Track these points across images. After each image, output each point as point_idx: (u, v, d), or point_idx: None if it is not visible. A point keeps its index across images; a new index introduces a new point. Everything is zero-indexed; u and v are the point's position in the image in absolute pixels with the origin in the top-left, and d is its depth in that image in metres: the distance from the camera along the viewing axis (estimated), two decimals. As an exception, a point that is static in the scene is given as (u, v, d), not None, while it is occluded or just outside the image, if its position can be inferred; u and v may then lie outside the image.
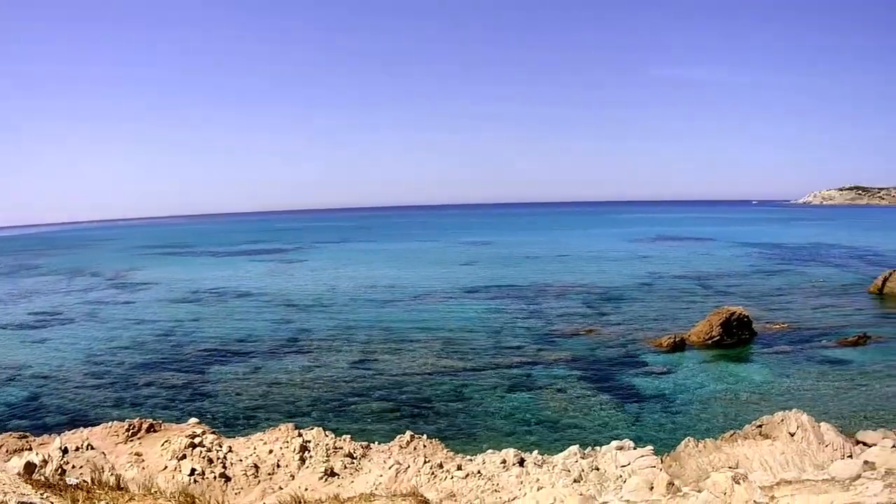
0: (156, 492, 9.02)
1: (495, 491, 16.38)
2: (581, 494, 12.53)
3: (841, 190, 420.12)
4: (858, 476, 12.69)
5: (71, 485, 9.01)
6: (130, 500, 8.32)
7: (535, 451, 19.55)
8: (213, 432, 19.93)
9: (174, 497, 8.78)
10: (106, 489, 8.78)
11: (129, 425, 19.96)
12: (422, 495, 10.77)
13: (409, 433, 20.20)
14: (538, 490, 14.59)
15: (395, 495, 10.40)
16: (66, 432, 20.29)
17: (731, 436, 21.08)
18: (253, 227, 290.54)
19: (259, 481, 16.90)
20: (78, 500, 7.81)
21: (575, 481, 16.98)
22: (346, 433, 20.79)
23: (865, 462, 14.41)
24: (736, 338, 40.65)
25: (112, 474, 11.42)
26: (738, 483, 11.48)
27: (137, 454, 17.96)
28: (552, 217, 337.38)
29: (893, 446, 17.21)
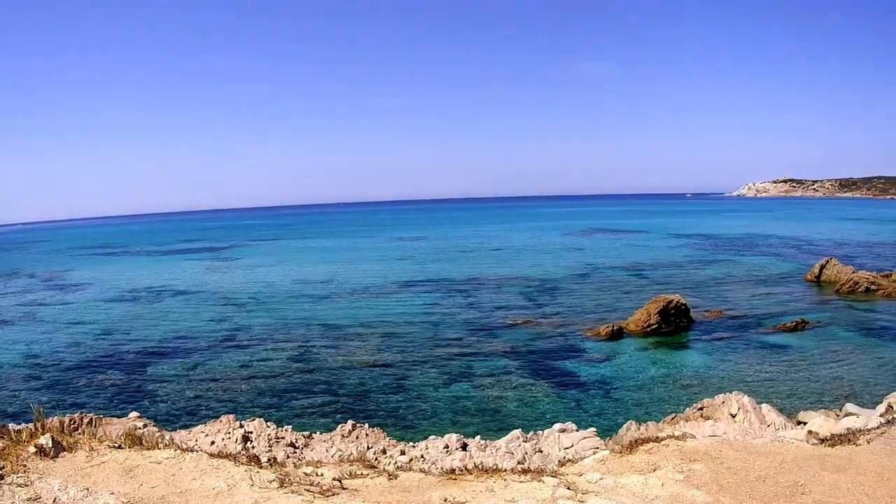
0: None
1: (440, 474, 16.36)
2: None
3: (775, 182, 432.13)
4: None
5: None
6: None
7: (478, 437, 19.51)
8: (155, 425, 19.57)
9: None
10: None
11: (70, 420, 19.49)
12: (368, 460, 10.55)
13: (350, 422, 20.10)
14: (484, 470, 14.54)
15: (342, 461, 10.12)
16: (7, 430, 19.80)
17: (672, 419, 21.46)
18: (183, 227, 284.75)
19: (203, 472, 16.65)
20: None
21: (518, 463, 17.00)
22: (288, 426, 20.50)
23: (809, 432, 14.74)
24: (674, 325, 41.56)
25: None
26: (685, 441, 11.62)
27: (78, 448, 17.55)
28: (484, 212, 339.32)
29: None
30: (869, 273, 55.50)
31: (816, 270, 59.57)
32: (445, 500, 10.31)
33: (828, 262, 59.64)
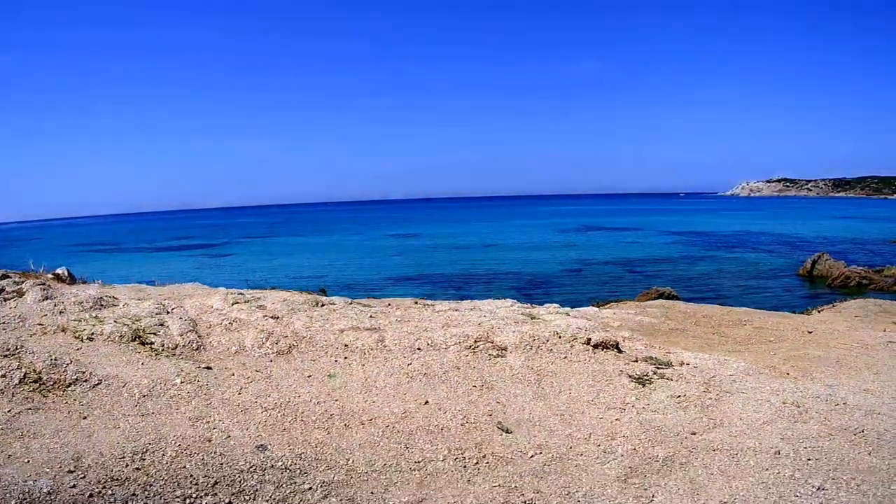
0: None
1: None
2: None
3: (768, 182, 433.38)
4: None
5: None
6: None
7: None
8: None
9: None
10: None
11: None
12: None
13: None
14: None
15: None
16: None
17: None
18: (172, 225, 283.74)
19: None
20: None
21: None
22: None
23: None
24: (666, 317, 41.59)
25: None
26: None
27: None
28: (476, 210, 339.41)
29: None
30: (861, 268, 55.93)
31: (809, 265, 60.03)
32: (416, 302, 13.55)
33: (820, 257, 60.09)
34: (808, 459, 7.32)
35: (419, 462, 6.83)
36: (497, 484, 6.62)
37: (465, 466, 6.89)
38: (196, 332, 9.27)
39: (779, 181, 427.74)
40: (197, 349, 8.85)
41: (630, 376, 9.78)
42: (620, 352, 11.31)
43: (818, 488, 6.62)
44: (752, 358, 11.58)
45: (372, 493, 6.23)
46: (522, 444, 7.60)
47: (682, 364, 10.71)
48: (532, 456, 7.29)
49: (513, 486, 6.65)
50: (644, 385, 9.47)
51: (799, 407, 8.57)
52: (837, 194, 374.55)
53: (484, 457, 7.16)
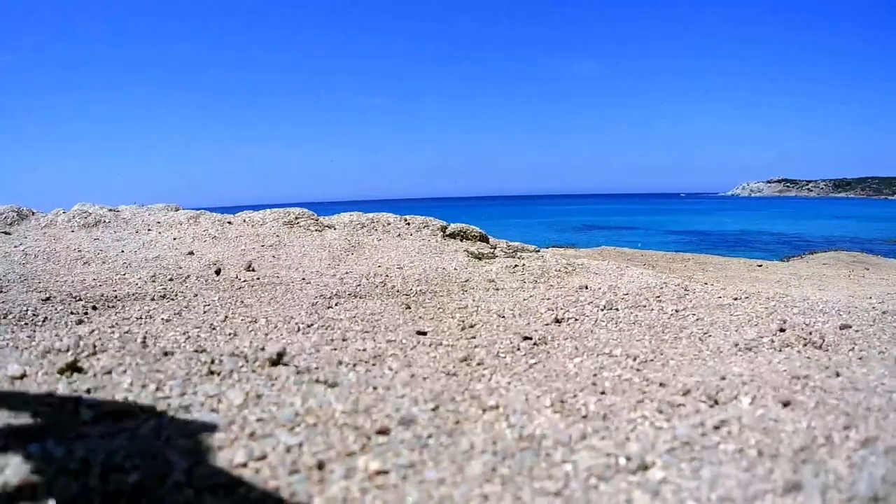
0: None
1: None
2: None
3: (769, 182, 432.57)
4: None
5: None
6: None
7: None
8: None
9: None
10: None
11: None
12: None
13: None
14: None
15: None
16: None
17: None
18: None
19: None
20: None
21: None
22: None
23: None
24: (667, 314, 41.92)
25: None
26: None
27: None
28: (475, 210, 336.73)
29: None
30: (859, 266, 56.34)
31: (808, 263, 60.45)
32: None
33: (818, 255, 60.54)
34: (637, 295, 5.81)
35: (118, 281, 6.31)
36: (178, 293, 5.91)
37: (156, 282, 6.30)
38: (20, 215, 9.87)
39: (779, 181, 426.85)
40: (11, 224, 9.48)
41: (471, 253, 8.87)
42: (485, 241, 10.48)
43: (633, 323, 4.75)
44: (670, 275, 9.26)
45: (45, 287, 5.90)
46: (249, 276, 6.80)
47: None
48: (245, 281, 6.53)
49: (195, 294, 5.89)
50: (481, 259, 8.44)
51: (687, 289, 6.24)
52: (837, 194, 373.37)
53: (188, 278, 6.57)
